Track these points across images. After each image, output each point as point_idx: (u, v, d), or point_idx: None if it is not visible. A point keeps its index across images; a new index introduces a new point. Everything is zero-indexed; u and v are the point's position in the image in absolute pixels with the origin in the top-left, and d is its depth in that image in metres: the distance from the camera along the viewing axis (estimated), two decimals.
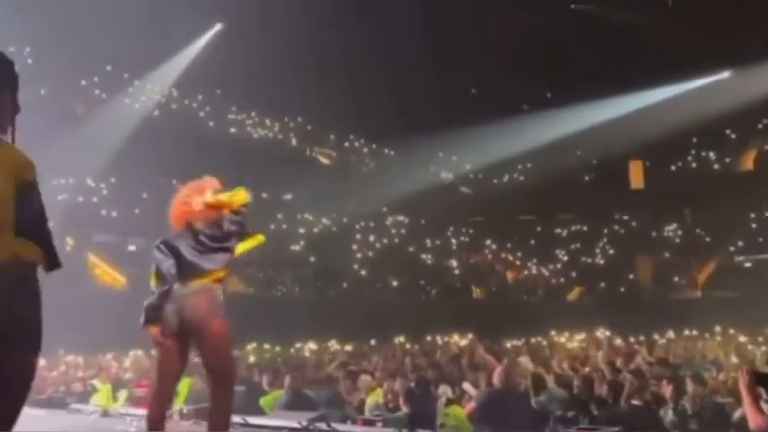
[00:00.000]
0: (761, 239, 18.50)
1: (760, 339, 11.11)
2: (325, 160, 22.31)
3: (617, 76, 18.82)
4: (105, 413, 6.41)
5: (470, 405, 6.96)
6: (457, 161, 23.79)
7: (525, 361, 8.58)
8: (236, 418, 5.77)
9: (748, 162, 20.94)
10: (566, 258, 20.93)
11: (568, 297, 19.26)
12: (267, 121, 21.07)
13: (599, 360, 8.61)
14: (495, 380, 6.96)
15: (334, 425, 5.48)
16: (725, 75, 19.72)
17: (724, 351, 9.43)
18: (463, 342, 12.66)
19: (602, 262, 20.48)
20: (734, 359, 8.15)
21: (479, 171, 23.43)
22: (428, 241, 21.36)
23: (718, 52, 17.82)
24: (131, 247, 14.39)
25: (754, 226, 18.77)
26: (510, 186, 23.40)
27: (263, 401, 7.72)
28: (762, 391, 3.35)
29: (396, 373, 8.54)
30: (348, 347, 12.32)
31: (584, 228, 21.71)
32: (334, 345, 12.65)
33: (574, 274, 20.09)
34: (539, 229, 22.24)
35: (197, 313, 3.88)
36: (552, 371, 8.36)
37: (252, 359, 9.78)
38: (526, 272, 20.92)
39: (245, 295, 14.98)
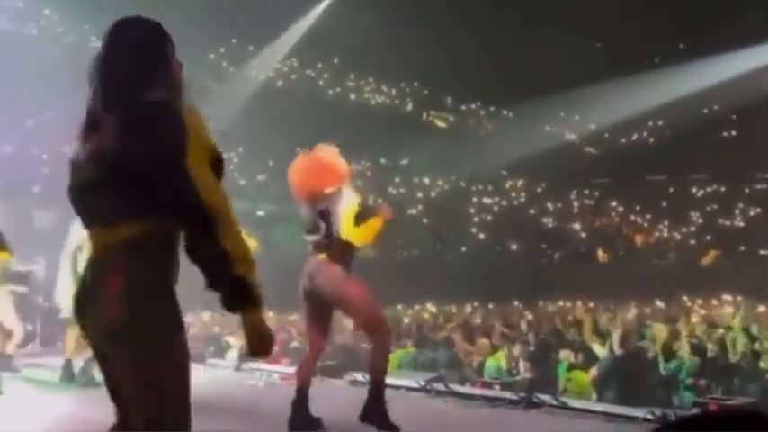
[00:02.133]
0: None
1: None
2: (441, 124, 22.19)
3: (757, 22, 17.11)
4: (238, 368, 6.86)
5: (593, 371, 6.79)
6: (580, 120, 22.85)
7: (656, 327, 8.20)
8: (357, 376, 6.00)
9: None
10: (700, 221, 19.62)
11: (703, 261, 18.07)
12: (384, 87, 21.22)
13: (735, 327, 8.08)
14: (617, 346, 6.73)
15: (452, 386, 5.54)
16: None
17: None
18: (585, 307, 12.29)
19: (741, 224, 19.02)
20: None
21: (605, 130, 22.39)
22: (549, 204, 20.77)
23: None
24: (260, 213, 15.11)
25: None
26: (639, 145, 22.19)
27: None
28: None
29: (515, 337, 8.48)
30: (468, 310, 12.35)
31: (722, 188, 20.21)
32: (452, 308, 12.71)
33: (709, 237, 18.80)
34: (671, 189, 20.96)
35: (328, 283, 4.04)
36: (684, 338, 7.95)
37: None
38: (657, 235, 19.84)
39: (366, 259, 15.34)
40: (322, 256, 4.08)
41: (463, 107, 22.81)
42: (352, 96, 20.56)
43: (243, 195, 15.78)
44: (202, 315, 9.77)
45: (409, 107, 21.73)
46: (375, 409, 3.94)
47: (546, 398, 4.87)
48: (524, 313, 11.22)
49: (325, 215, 4.08)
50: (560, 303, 13.75)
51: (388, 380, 6.31)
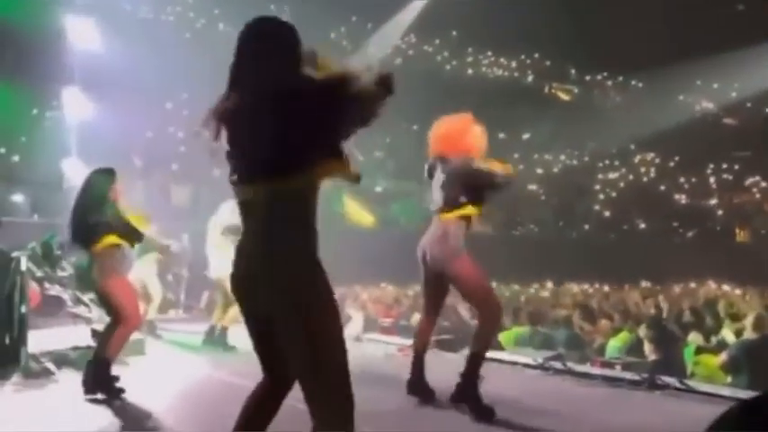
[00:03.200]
0: None
1: None
2: (565, 96, 21.39)
3: None
4: (358, 339, 7.09)
5: (723, 355, 6.37)
6: (719, 89, 21.17)
7: None
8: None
9: None
10: None
11: None
12: (503, 60, 20.74)
13: None
14: (750, 329, 6.27)
15: (571, 364, 5.41)
16: None
17: None
18: (719, 289, 11.53)
19: None
20: None
21: (747, 99, 20.62)
22: (683, 180, 19.53)
23: None
24: (378, 188, 15.38)
25: None
26: None
27: (502, 337, 7.89)
28: None
29: (639, 318, 8.13)
30: (589, 289, 11.97)
31: None
32: (573, 287, 12.36)
33: None
34: None
35: (439, 254, 4.02)
36: None
37: None
38: None
39: (483, 235, 15.22)
40: (443, 220, 4.06)
41: (588, 78, 21.83)
42: (470, 71, 20.27)
43: (361, 172, 16.11)
44: None
45: (530, 80, 21.11)
46: (467, 390, 3.84)
47: (670, 380, 4.64)
48: (652, 293, 10.71)
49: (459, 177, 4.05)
50: (692, 285, 13.00)
51: (506, 356, 6.28)
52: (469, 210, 4.06)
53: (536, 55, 20.87)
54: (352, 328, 7.94)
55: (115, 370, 4.38)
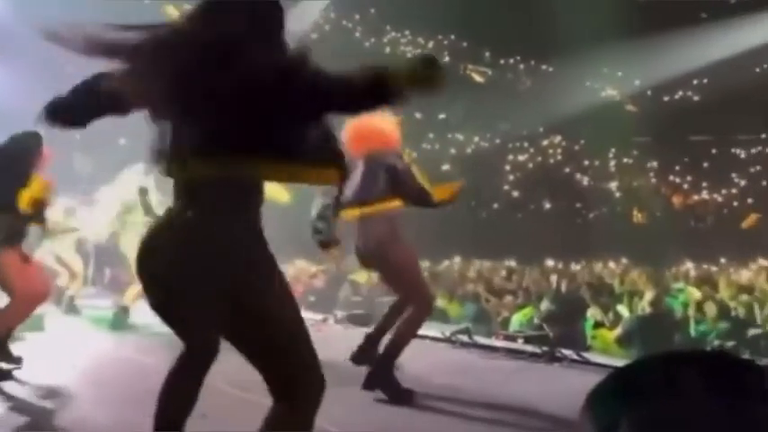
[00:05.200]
0: None
1: None
2: (479, 78, 21.76)
3: None
4: None
5: (619, 329, 6.80)
6: (623, 77, 22.16)
7: (689, 290, 8.14)
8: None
9: None
10: (743, 183, 19.13)
11: (743, 224, 17.69)
12: (420, 40, 20.86)
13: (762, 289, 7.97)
14: (646, 306, 6.72)
15: (476, 338, 5.62)
16: None
17: None
18: (617, 267, 12.22)
19: None
20: None
21: (648, 87, 21.70)
22: (587, 163, 20.43)
23: None
24: None
25: None
26: (682, 104, 21.48)
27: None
28: None
29: (542, 294, 8.51)
30: (495, 266, 12.39)
31: (767, 149, 19.61)
32: (483, 263, 12.76)
33: (751, 200, 18.35)
34: (713, 150, 20.40)
35: (374, 245, 4.05)
36: (716, 300, 7.88)
37: None
38: (696, 197, 19.44)
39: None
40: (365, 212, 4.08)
41: (502, 61, 22.31)
42: (388, 49, 20.29)
43: None
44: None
45: (446, 60, 21.33)
46: (382, 375, 3.82)
47: (568, 353, 4.91)
48: (554, 270, 11.21)
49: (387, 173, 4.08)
50: (593, 263, 13.69)
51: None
52: (397, 202, 4.10)
53: (452, 36, 21.12)
54: None
55: (14, 347, 4.18)
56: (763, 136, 19.76)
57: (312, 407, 1.90)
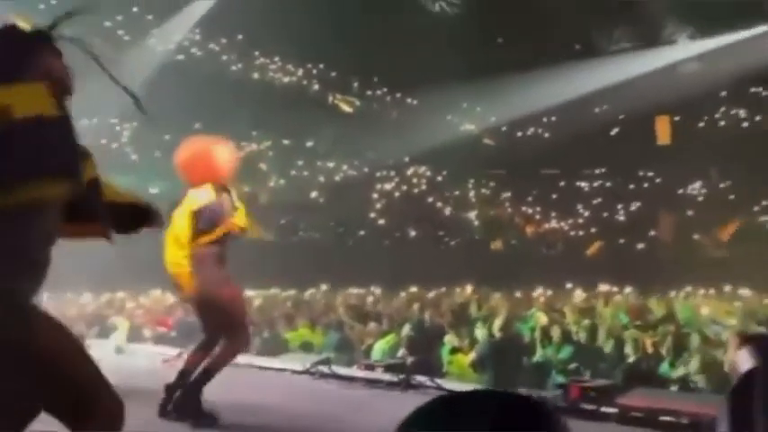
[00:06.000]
0: None
1: None
2: (347, 108, 22.18)
3: (643, 30, 18.29)
4: (119, 350, 6.68)
5: (473, 354, 7.11)
6: (481, 112, 23.49)
7: (537, 314, 8.68)
8: (241, 359, 6.00)
9: None
10: (587, 213, 20.80)
11: (587, 252, 19.21)
12: (290, 67, 20.95)
13: (607, 315, 8.68)
14: (497, 330, 7.10)
15: (336, 368, 5.66)
16: (760, 29, 19.00)
17: (732, 311, 9.43)
18: (475, 293, 12.79)
19: (623, 218, 20.34)
20: (734, 321, 8.15)
21: (503, 123, 23.14)
22: (448, 192, 21.34)
23: (753, 7, 17.21)
24: (153, 190, 14.63)
25: None
26: (534, 140, 23.11)
27: (289, 336, 7.95)
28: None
29: (404, 320, 8.73)
30: (360, 293, 12.55)
31: (608, 183, 21.48)
32: (349, 290, 12.87)
33: (594, 230, 19.99)
34: (561, 183, 22.06)
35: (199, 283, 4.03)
36: (561, 324, 8.46)
37: (259, 302, 10.04)
38: (546, 226, 20.87)
39: (263, 242, 15.25)
40: (196, 248, 4.03)
41: (369, 92, 22.90)
42: (256, 75, 20.17)
43: (135, 170, 15.22)
44: (80, 296, 9.41)
45: (315, 89, 21.57)
46: (190, 403, 3.91)
47: (423, 379, 5.07)
48: (416, 297, 11.53)
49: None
50: (453, 289, 14.22)
51: (274, 363, 6.36)
52: (218, 232, 4.08)
53: (321, 65, 21.41)
54: (116, 338, 7.48)
55: None
56: (604, 170, 21.65)
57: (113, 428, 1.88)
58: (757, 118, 20.60)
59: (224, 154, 4.20)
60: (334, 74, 21.82)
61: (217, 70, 18.62)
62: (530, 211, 21.34)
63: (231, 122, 15.46)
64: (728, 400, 1.38)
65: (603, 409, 4.42)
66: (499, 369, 6.99)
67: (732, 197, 18.90)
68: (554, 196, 21.38)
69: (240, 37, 19.40)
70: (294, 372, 5.66)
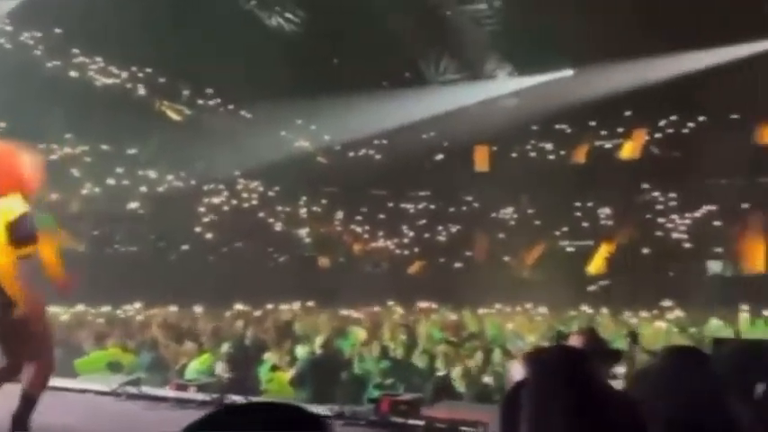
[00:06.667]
0: (584, 225, 20.34)
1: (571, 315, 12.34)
2: (175, 116, 21.32)
3: (469, 63, 19.68)
4: None
5: (292, 371, 7.12)
6: (315, 130, 23.71)
7: (355, 330, 8.88)
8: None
9: (581, 156, 22.79)
10: (411, 233, 21.73)
11: (410, 270, 20.04)
12: (113, 69, 19.73)
13: (423, 331, 9.11)
14: (318, 347, 7.18)
15: (146, 389, 5.38)
16: (568, 72, 21.22)
17: (533, 327, 10.34)
18: (300, 309, 12.82)
19: (444, 239, 21.49)
20: (533, 337, 8.96)
21: (337, 143, 23.53)
22: (280, 208, 21.24)
23: (563, 50, 19.26)
24: None
25: (578, 214, 20.56)
26: (365, 161, 23.76)
27: (78, 364, 7.42)
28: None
29: (224, 339, 8.52)
30: (180, 311, 12.06)
31: (431, 206, 22.62)
32: (168, 308, 12.30)
33: (417, 249, 20.92)
34: (389, 204, 22.86)
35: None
36: (381, 340, 8.74)
37: (66, 318, 9.31)
38: (373, 244, 21.48)
39: (76, 252, 14.12)
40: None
41: (200, 101, 22.21)
42: (74, 73, 18.74)
43: None
44: None
45: (141, 94, 20.49)
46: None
47: (238, 398, 4.98)
48: (239, 314, 11.32)
49: None
50: (280, 306, 14.12)
51: (78, 384, 5.90)
52: (29, 248, 3.84)
53: (149, 69, 20.41)
54: None
55: None
56: (428, 193, 22.79)
57: None
58: (562, 152, 22.88)
59: (28, 162, 3.91)
60: (162, 80, 20.89)
61: (28, 65, 17.04)
62: (358, 229, 21.86)
63: (42, 123, 14.22)
64: (499, 409, 1.51)
65: (411, 421, 4.62)
66: (318, 385, 7.06)
67: (538, 222, 20.77)
68: (381, 216, 22.10)
69: (58, 31, 17.96)
70: (99, 393, 5.29)
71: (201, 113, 21.90)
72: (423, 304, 14.29)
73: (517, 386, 1.41)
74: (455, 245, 20.77)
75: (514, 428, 1.37)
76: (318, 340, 7.39)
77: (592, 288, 17.42)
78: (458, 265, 19.93)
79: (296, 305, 13.67)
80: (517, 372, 1.43)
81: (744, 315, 11.35)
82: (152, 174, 18.52)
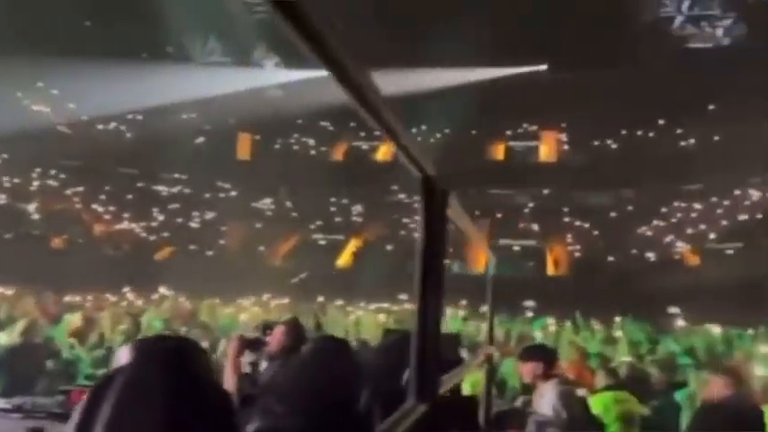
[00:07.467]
0: (337, 220, 21.03)
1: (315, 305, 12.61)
2: None
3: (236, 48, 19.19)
4: None
5: None
6: (59, 96, 21.28)
7: (69, 316, 8.10)
8: None
9: (339, 154, 23.57)
10: (162, 217, 20.60)
11: (157, 255, 18.97)
12: None
13: (146, 320, 8.64)
14: (18, 335, 6.41)
15: None
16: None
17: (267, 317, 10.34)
18: (15, 294, 11.40)
19: (197, 225, 20.72)
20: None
21: (85, 113, 21.33)
22: (6, 179, 18.72)
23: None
24: None
25: (332, 209, 21.21)
26: (115, 135, 22.01)
27: None
28: (248, 354, 3.55)
29: None
30: None
31: (186, 190, 21.69)
32: None
33: (167, 234, 19.88)
34: (139, 184, 21.43)
35: None
36: (99, 328, 8.10)
37: None
38: (117, 226, 19.95)
39: None
40: None
41: None
42: None
43: None
44: None
45: None
46: None
47: None
48: None
49: None
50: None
51: None
52: None
53: None
54: None
55: None
56: (185, 177, 21.76)
57: None
58: (323, 148, 23.43)
59: None
60: None
61: None
62: (100, 209, 20.13)
63: None
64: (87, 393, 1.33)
65: None
66: (16, 374, 6.28)
67: (295, 215, 21.01)
68: (129, 196, 20.63)
69: None
70: None
71: None
72: (163, 290, 13.55)
73: (113, 372, 1.27)
74: (209, 232, 20.14)
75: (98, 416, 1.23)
76: (19, 327, 6.57)
77: (338, 281, 18.06)
78: (209, 252, 19.35)
79: (10, 290, 12.06)
80: (121, 356, 1.29)
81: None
82: None
